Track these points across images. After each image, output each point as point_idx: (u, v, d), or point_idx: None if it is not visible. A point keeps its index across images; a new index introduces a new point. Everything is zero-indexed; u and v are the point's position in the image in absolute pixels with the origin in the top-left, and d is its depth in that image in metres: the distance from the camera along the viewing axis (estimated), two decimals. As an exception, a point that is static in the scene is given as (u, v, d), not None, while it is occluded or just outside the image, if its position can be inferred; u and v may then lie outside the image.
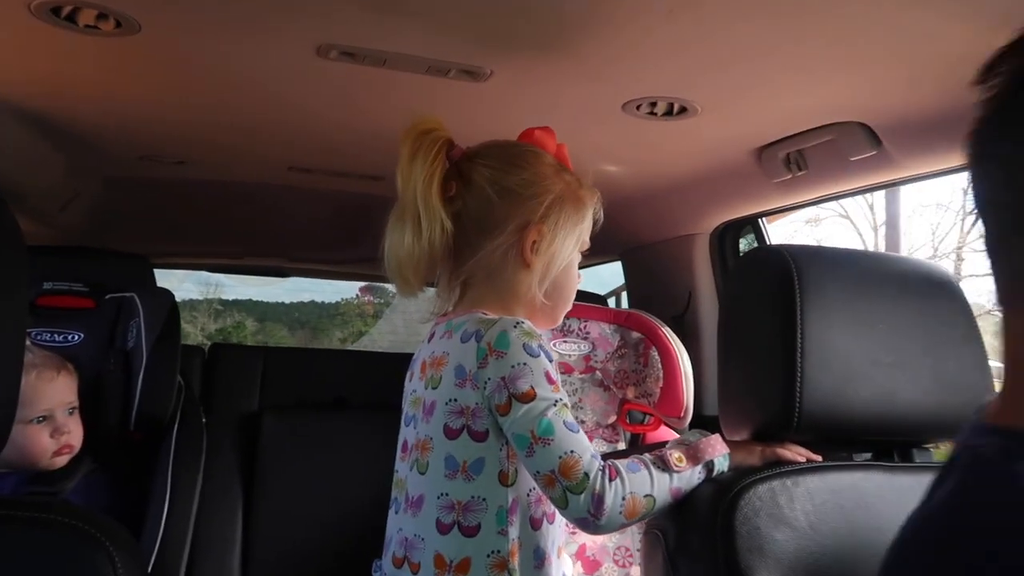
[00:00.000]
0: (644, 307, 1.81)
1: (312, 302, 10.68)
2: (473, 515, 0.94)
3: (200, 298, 9.51)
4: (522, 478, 0.96)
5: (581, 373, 1.75)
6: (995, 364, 0.82)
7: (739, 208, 1.80)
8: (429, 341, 1.06)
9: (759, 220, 1.86)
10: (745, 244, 1.99)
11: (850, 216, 8.59)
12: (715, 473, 0.97)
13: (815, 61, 1.12)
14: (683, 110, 1.32)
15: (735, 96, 1.27)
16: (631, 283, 2.30)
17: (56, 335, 1.45)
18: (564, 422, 0.92)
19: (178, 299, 1.57)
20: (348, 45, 1.12)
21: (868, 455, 1.08)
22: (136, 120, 1.50)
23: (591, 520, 0.89)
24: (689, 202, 1.83)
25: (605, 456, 0.94)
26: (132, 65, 1.22)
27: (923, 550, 0.46)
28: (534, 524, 0.97)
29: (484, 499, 0.94)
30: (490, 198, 1.01)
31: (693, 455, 0.96)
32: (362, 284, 9.63)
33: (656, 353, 1.73)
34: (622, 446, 1.79)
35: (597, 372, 1.77)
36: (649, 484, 0.92)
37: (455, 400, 0.96)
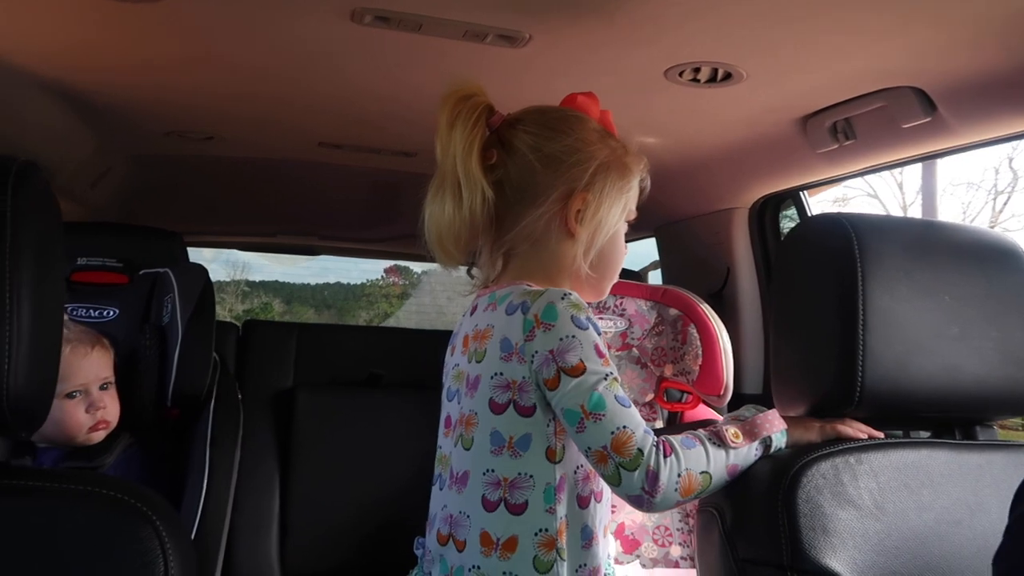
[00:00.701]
0: (680, 284, 1.77)
1: (338, 283, 10.73)
2: (520, 492, 0.91)
3: (228, 279, 9.60)
4: (570, 455, 0.93)
5: (617, 351, 1.72)
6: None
7: (781, 181, 1.74)
8: (472, 314, 1.02)
9: (801, 193, 1.80)
10: (786, 220, 1.94)
11: (878, 195, 8.42)
12: (772, 450, 0.93)
13: (867, 23, 1.07)
14: (727, 76, 1.27)
15: (782, 61, 1.22)
16: (666, 260, 2.26)
17: (92, 310, 1.44)
18: (615, 396, 0.88)
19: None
20: (383, 9, 1.09)
21: (927, 433, 1.04)
22: (164, 93, 1.49)
23: (645, 498, 0.86)
24: (729, 175, 1.78)
25: (656, 432, 0.91)
26: (160, 34, 1.20)
27: None
28: (581, 503, 0.94)
29: (531, 476, 0.91)
30: (532, 165, 0.97)
31: (750, 431, 0.92)
32: (388, 265, 9.66)
33: (695, 330, 1.69)
34: (659, 424, 1.76)
35: (634, 349, 1.73)
36: (705, 460, 0.89)
37: (501, 374, 0.93)
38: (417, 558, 1.06)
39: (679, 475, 0.87)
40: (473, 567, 0.92)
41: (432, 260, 1.02)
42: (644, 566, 1.60)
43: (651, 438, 0.88)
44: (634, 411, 0.89)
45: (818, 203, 1.90)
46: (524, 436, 0.92)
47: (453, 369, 1.03)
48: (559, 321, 0.89)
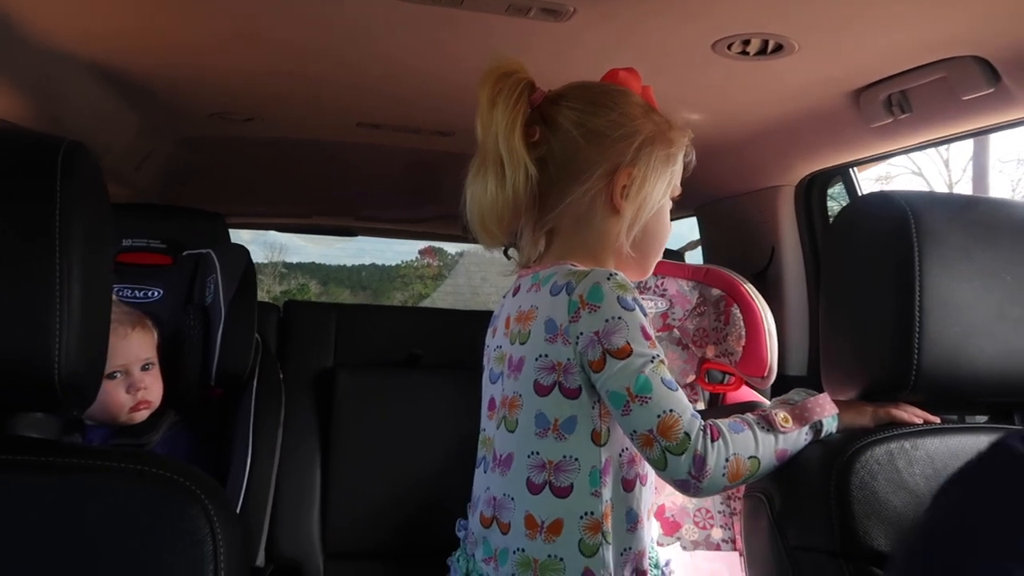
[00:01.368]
0: (722, 264, 1.73)
1: (373, 264, 10.81)
2: (565, 475, 0.91)
3: (265, 261, 9.73)
4: (615, 438, 0.92)
5: (659, 331, 1.70)
6: None
7: (830, 157, 1.69)
8: (514, 295, 1.02)
9: (851, 170, 1.75)
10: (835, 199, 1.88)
11: (923, 173, 8.15)
12: (823, 435, 0.91)
13: (927, -12, 1.02)
14: (778, 48, 1.23)
15: (836, 31, 1.17)
16: (707, 239, 2.22)
17: (137, 291, 1.46)
18: (662, 379, 0.87)
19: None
20: (425, -17, 1.07)
21: (984, 418, 1.00)
22: (207, 75, 1.49)
23: (692, 482, 0.85)
24: (775, 151, 1.73)
25: (702, 415, 0.89)
26: (204, 14, 1.20)
27: None
28: (627, 486, 0.93)
29: (576, 459, 0.91)
30: (576, 141, 0.96)
31: (800, 415, 0.90)
32: (423, 246, 9.69)
33: (738, 310, 1.66)
34: (701, 406, 1.73)
35: (675, 330, 1.71)
36: (753, 445, 0.87)
37: (545, 356, 0.91)
38: (459, 540, 1.06)
39: (727, 460, 0.85)
40: (518, 549, 0.92)
41: (471, 241, 1.01)
42: (685, 548, 1.59)
43: (698, 422, 0.86)
44: (681, 394, 0.87)
45: (861, 181, 1.84)
46: (569, 419, 0.91)
47: (495, 351, 1.02)
48: (605, 302, 0.88)
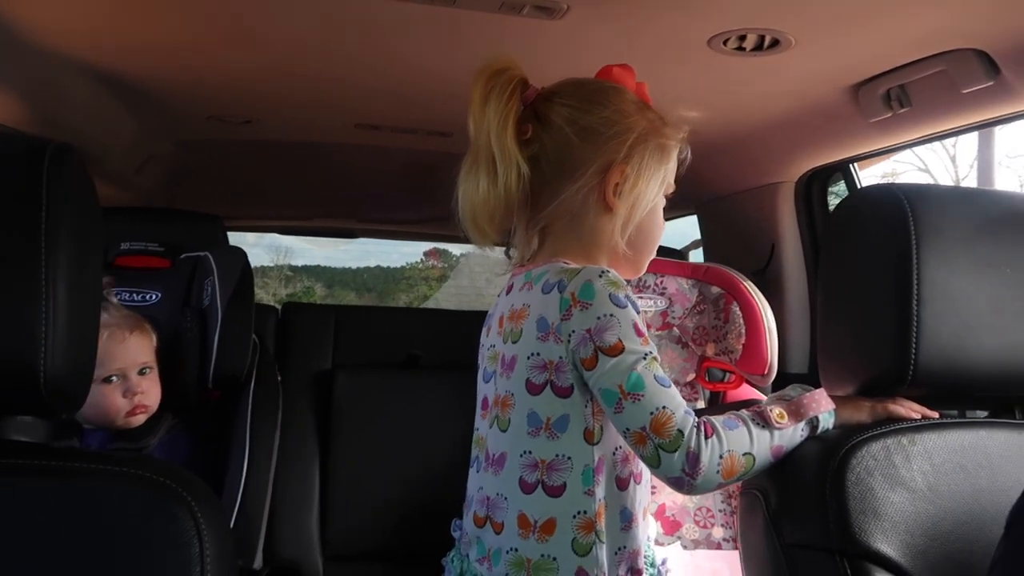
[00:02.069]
0: (722, 262, 1.72)
1: (378, 267, 10.83)
2: (558, 474, 0.90)
3: (271, 264, 9.76)
4: (608, 436, 0.91)
5: (658, 330, 1.69)
6: None
7: (829, 153, 1.68)
8: (507, 293, 1.01)
9: (851, 166, 1.74)
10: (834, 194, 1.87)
11: (929, 169, 8.11)
12: (820, 431, 0.90)
13: (924, -19, 1.01)
14: (775, 43, 1.22)
15: (833, 25, 1.16)
16: (708, 237, 2.21)
17: (135, 294, 1.46)
18: (655, 376, 0.86)
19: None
20: (417, -18, 1.07)
21: (984, 412, 0.99)
22: (204, 78, 1.49)
23: (686, 480, 0.84)
24: (774, 148, 1.72)
25: (698, 413, 0.88)
26: (200, 19, 1.20)
27: None
28: (620, 484, 0.92)
29: (569, 457, 0.90)
30: (569, 138, 0.95)
31: (795, 411, 0.89)
32: (427, 248, 9.70)
33: (737, 308, 1.65)
34: (701, 404, 1.72)
35: (675, 329, 1.70)
36: (748, 442, 0.86)
37: (537, 354, 0.91)
38: (454, 540, 1.05)
39: (721, 456, 0.84)
40: (511, 549, 0.91)
41: (468, 240, 1.01)
42: (685, 547, 1.58)
43: (692, 419, 0.85)
44: (674, 391, 0.86)
45: (866, 178, 1.83)
46: (562, 417, 0.90)
47: (489, 350, 1.01)
48: (596, 299, 0.87)
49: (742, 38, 1.21)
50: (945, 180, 8.01)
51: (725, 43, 1.23)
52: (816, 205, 1.85)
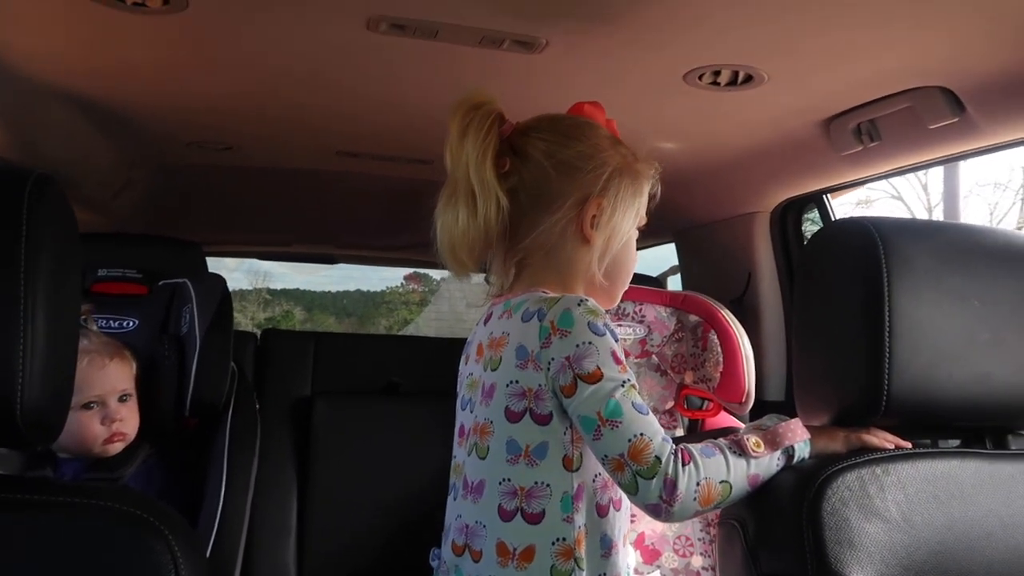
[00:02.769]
0: (700, 290, 1.75)
1: (358, 291, 10.78)
2: (537, 501, 0.90)
3: (249, 288, 9.67)
4: (587, 463, 0.92)
5: (637, 357, 1.70)
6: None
7: (803, 184, 1.72)
8: (486, 323, 1.02)
9: (824, 196, 1.77)
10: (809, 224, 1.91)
11: (902, 197, 8.28)
12: (796, 460, 0.91)
13: (893, 21, 1.05)
14: (748, 79, 1.25)
15: (805, 62, 1.20)
16: (686, 265, 2.23)
17: (112, 321, 1.45)
18: (633, 403, 0.87)
19: (229, 288, 1.56)
20: (399, 16, 1.08)
21: (956, 442, 1.00)
22: (184, 104, 1.49)
23: (663, 507, 0.85)
24: (749, 179, 1.75)
25: (675, 440, 0.89)
26: (179, 44, 1.21)
27: None
28: (600, 511, 0.93)
29: (548, 485, 0.90)
30: (547, 172, 0.97)
31: (772, 440, 0.90)
32: (407, 272, 9.67)
33: (715, 336, 1.67)
34: (680, 432, 1.73)
35: (653, 356, 1.71)
36: (725, 470, 0.87)
37: (516, 382, 0.92)
38: (432, 569, 1.04)
39: (698, 484, 0.85)
40: None
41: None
42: (665, 577, 1.58)
43: (669, 446, 0.86)
44: (652, 418, 0.88)
45: (840, 205, 1.87)
46: (540, 444, 0.91)
47: (467, 378, 1.02)
48: (575, 327, 0.89)
49: (717, 73, 1.24)
50: (917, 207, 8.17)
51: (700, 78, 1.26)
52: (791, 234, 1.88)
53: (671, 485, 0.84)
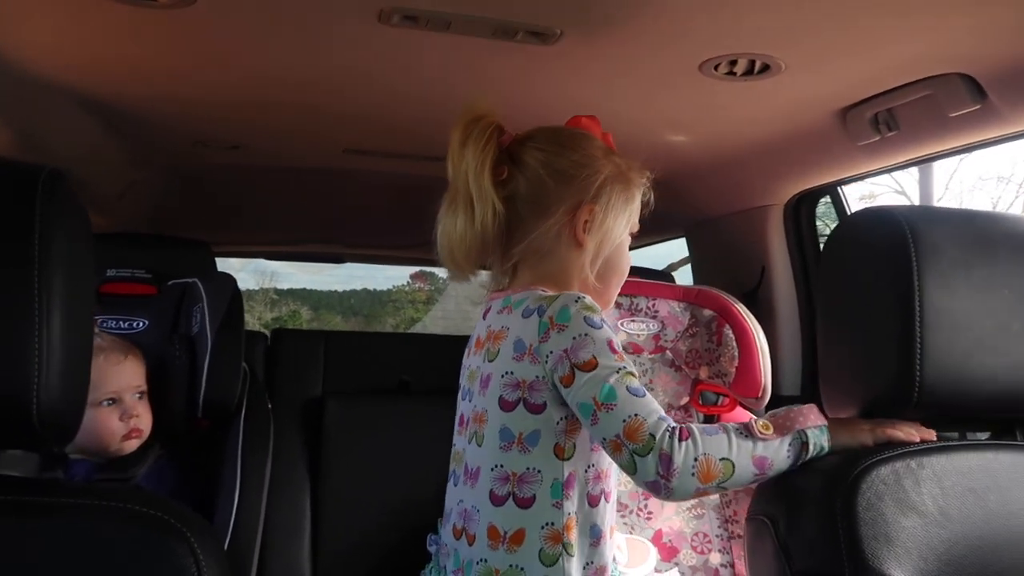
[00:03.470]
0: (713, 284, 1.73)
1: (364, 290, 10.78)
2: (528, 487, 0.94)
3: (256, 288, 9.67)
4: (580, 454, 0.96)
5: (651, 353, 1.68)
6: None
7: (818, 176, 1.70)
8: (484, 317, 1.06)
9: (839, 188, 1.75)
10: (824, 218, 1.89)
11: (905, 192, 8.24)
12: (811, 447, 0.90)
13: (913, 6, 1.03)
14: (765, 68, 1.23)
15: (823, 50, 1.18)
16: (698, 260, 2.22)
17: (121, 322, 1.43)
18: (628, 387, 0.90)
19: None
20: (411, 8, 1.07)
21: (984, 435, 0.99)
22: (191, 103, 1.48)
23: (661, 483, 0.87)
24: (764, 171, 1.73)
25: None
26: (186, 40, 1.19)
27: None
28: (592, 501, 0.96)
29: (539, 471, 0.94)
30: (543, 179, 1.03)
31: (781, 424, 0.91)
32: (414, 271, 9.68)
33: (730, 331, 1.65)
34: (695, 428, 1.71)
35: (667, 352, 1.69)
36: (727, 447, 0.88)
37: (511, 373, 0.96)
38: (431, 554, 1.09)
39: (695, 459, 0.87)
40: (481, 560, 0.95)
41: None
42: (683, 574, 1.56)
43: (665, 424, 0.89)
44: (648, 399, 0.91)
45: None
46: (533, 432, 0.95)
47: (467, 369, 1.07)
48: (572, 322, 0.93)
49: (733, 63, 1.22)
50: (920, 202, 8.12)
51: (716, 68, 1.24)
52: (805, 227, 1.86)
53: (667, 460, 0.86)
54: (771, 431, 0.90)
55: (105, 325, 1.42)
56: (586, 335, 0.92)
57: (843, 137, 1.45)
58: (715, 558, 1.58)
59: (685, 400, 1.70)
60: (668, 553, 1.57)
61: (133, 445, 1.30)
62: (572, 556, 0.94)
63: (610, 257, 1.05)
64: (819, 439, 0.91)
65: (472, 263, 1.04)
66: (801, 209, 1.85)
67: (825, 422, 0.92)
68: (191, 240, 1.73)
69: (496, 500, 0.95)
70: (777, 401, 1.64)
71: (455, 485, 1.04)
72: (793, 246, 1.86)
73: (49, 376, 0.65)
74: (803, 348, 1.87)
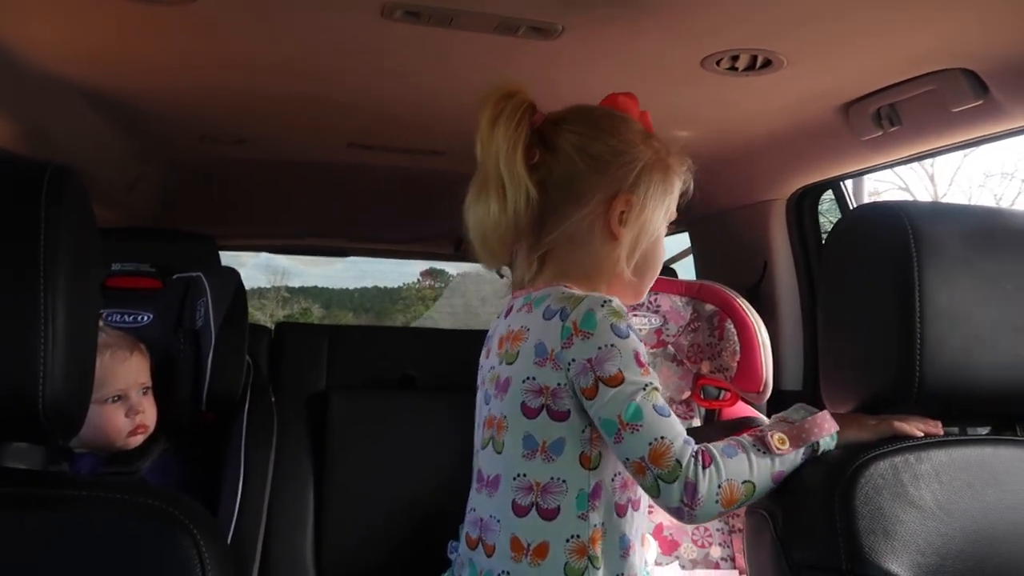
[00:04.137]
0: (715, 279, 1.73)
1: (375, 287, 10.77)
2: (552, 497, 0.90)
3: (268, 286, 9.69)
4: (606, 462, 0.91)
5: (653, 348, 1.68)
6: None
7: (821, 171, 1.70)
8: (506, 316, 1.01)
9: (841, 183, 1.75)
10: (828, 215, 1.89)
11: (909, 188, 8.21)
12: (820, 451, 0.89)
13: (915, 1, 1.03)
14: (767, 63, 1.23)
15: (825, 45, 1.18)
16: (700, 254, 2.22)
17: (126, 316, 1.44)
18: (654, 406, 0.86)
19: (246, 287, 1.55)
20: (413, 3, 1.07)
21: (984, 430, 0.99)
22: (197, 97, 1.49)
23: (685, 510, 0.84)
24: (766, 166, 1.73)
25: (692, 432, 0.88)
26: (191, 35, 1.20)
27: None
28: (619, 511, 0.92)
29: (564, 481, 0.90)
30: (577, 165, 0.96)
31: (797, 436, 0.88)
32: (424, 268, 9.69)
33: (732, 326, 1.65)
34: (697, 422, 1.72)
35: (669, 346, 1.70)
36: (748, 469, 0.85)
37: (533, 378, 0.91)
38: (451, 562, 1.04)
39: (719, 486, 0.84)
40: (503, 572, 0.91)
41: (462, 259, 1.01)
42: (683, 567, 1.57)
43: (690, 448, 0.85)
44: (674, 420, 0.87)
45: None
46: (558, 440, 0.90)
47: (489, 372, 1.01)
48: (598, 329, 0.88)
49: (735, 58, 1.22)
50: (924, 198, 8.10)
51: (718, 63, 1.24)
52: (807, 222, 1.86)
53: (692, 489, 0.83)
54: (787, 445, 0.87)
55: (110, 319, 1.43)
56: (612, 345, 0.87)
57: (846, 132, 1.45)
58: (715, 551, 1.59)
59: (687, 395, 1.70)
60: (668, 546, 1.58)
61: (138, 440, 1.30)
62: (599, 569, 0.89)
63: (647, 250, 0.98)
64: (829, 445, 0.89)
65: (506, 250, 0.98)
66: (803, 204, 1.85)
67: (837, 427, 0.90)
68: (196, 234, 1.74)
69: (519, 511, 0.90)
70: (778, 396, 1.65)
71: (475, 492, 1.00)
72: (795, 241, 1.86)
73: (55, 370, 0.66)
74: (805, 343, 1.87)
